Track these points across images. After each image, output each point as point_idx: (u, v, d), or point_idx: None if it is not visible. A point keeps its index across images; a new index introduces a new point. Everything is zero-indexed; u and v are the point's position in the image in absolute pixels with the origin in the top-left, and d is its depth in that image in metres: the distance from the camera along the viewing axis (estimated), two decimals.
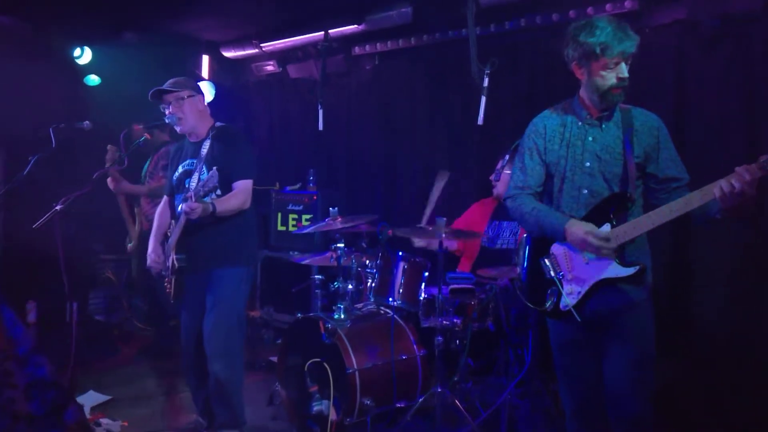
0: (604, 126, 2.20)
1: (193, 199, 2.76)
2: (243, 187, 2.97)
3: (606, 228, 2.11)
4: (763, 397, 2.99)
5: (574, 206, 2.20)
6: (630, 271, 2.07)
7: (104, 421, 3.27)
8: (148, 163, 4.46)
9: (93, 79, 4.90)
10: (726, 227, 3.17)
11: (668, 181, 2.16)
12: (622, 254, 2.10)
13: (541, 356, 3.26)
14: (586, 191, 2.18)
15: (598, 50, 2.07)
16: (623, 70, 2.10)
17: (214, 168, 2.86)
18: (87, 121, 3.11)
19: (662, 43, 3.48)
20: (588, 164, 2.18)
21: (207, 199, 2.88)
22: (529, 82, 4.06)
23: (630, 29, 2.10)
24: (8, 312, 1.33)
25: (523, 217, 2.28)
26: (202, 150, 2.98)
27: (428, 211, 3.74)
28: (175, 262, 2.95)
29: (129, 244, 4.47)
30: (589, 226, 2.13)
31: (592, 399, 2.25)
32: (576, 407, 2.31)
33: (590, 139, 2.20)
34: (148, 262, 3.10)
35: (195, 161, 3.01)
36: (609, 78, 2.10)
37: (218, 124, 3.10)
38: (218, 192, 2.95)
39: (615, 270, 2.09)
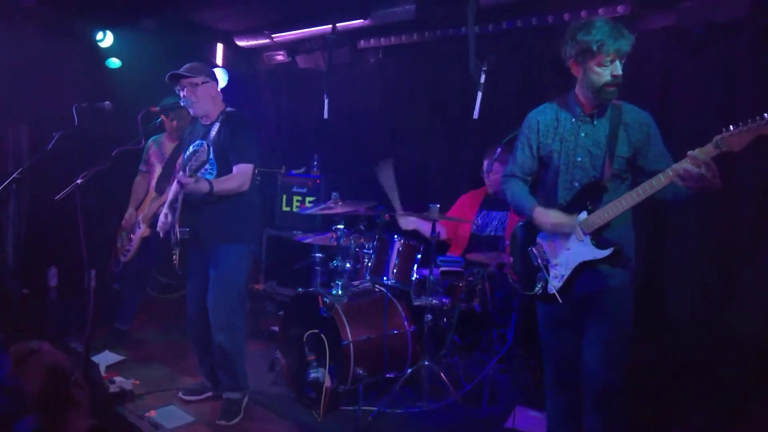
0: (596, 122, 2.26)
1: (187, 173, 2.84)
2: (242, 170, 3.00)
3: (583, 215, 2.22)
4: (733, 375, 3.05)
5: (568, 198, 2.31)
6: (605, 252, 2.18)
7: (118, 379, 3.35)
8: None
9: (114, 62, 4.91)
10: (697, 215, 3.29)
11: (657, 174, 2.15)
12: (598, 238, 2.21)
13: (523, 336, 3.36)
14: (577, 184, 2.27)
15: (594, 47, 2.12)
16: (617, 67, 2.15)
17: (205, 143, 2.93)
18: (107, 102, 3.12)
19: (650, 48, 3.51)
20: (579, 159, 2.27)
21: (202, 175, 2.92)
22: (522, 80, 4.07)
23: (625, 29, 2.15)
24: None
25: (508, 198, 2.47)
26: (211, 132, 3.06)
27: (396, 197, 3.76)
28: (178, 234, 2.97)
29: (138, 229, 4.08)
30: (556, 217, 2.27)
31: (570, 369, 2.40)
32: (555, 376, 2.47)
33: (582, 135, 2.27)
34: (158, 225, 3.07)
35: (204, 142, 3.05)
36: (604, 75, 2.15)
37: (228, 109, 3.16)
38: (207, 167, 3.01)
39: (592, 252, 2.20)
